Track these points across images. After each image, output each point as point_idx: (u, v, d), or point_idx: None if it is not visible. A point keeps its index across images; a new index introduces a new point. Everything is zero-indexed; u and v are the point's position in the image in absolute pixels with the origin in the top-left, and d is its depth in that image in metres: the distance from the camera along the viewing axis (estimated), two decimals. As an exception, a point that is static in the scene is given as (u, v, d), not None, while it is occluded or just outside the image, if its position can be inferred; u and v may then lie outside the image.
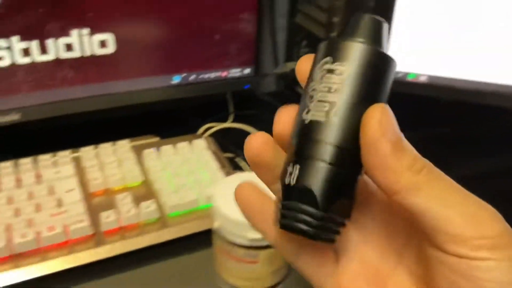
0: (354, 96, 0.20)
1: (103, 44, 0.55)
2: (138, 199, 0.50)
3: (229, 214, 0.39)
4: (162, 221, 0.49)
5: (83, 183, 0.52)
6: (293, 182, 0.20)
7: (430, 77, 0.56)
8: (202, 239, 0.49)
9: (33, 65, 0.52)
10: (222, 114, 0.73)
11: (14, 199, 0.48)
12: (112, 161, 0.54)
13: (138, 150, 0.57)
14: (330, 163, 0.20)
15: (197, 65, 0.61)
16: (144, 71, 0.59)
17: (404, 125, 0.21)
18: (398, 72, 0.56)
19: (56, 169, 0.52)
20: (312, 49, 0.76)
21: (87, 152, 0.55)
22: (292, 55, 0.81)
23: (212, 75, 0.62)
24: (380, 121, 0.19)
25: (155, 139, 0.61)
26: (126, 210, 0.48)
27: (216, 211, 0.40)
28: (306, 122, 0.20)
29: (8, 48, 0.51)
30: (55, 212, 0.47)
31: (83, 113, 0.57)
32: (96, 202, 0.50)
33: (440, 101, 0.60)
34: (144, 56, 0.58)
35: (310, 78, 0.21)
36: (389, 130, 0.19)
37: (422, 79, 0.56)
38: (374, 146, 0.19)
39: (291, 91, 0.86)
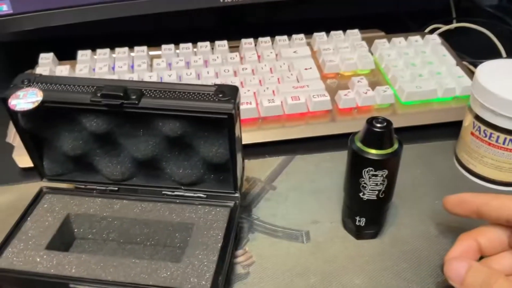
0: None
1: None
2: (372, 84, 0.50)
3: (498, 93, 0.36)
4: (394, 108, 0.49)
5: (317, 65, 0.53)
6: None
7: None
8: (432, 133, 0.48)
9: None
10: (443, 20, 0.68)
11: (258, 71, 0.52)
12: (345, 47, 0.54)
13: (368, 40, 0.56)
14: None
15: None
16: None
17: None
18: None
19: (293, 49, 0.54)
20: None
21: (320, 37, 0.56)
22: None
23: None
24: None
25: (382, 33, 0.60)
26: (363, 91, 0.48)
27: (481, 91, 0.38)
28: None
29: None
30: (297, 85, 0.49)
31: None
32: (331, 83, 0.52)
33: None
34: None
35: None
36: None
37: None
38: None
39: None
